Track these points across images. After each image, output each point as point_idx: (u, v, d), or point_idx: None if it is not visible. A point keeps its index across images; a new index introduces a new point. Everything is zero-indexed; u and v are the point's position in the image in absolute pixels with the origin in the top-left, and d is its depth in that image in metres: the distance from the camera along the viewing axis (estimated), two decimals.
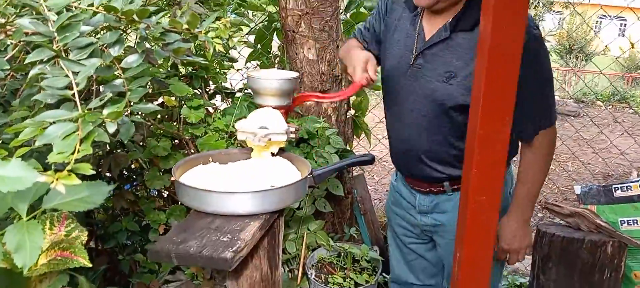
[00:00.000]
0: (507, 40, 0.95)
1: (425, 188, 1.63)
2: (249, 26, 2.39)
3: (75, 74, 0.73)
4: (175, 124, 2.01)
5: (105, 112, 0.70)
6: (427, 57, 1.46)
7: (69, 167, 0.64)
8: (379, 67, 1.61)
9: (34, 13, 0.82)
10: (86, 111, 0.68)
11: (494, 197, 1.05)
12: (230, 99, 2.26)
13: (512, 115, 1.42)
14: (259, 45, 2.40)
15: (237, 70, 2.40)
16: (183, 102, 1.96)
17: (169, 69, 2.05)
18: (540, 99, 1.42)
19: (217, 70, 2.14)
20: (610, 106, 8.70)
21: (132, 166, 2.09)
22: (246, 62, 2.49)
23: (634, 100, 8.81)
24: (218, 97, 2.28)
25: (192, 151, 1.98)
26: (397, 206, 1.77)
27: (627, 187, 2.04)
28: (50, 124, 0.71)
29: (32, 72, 0.73)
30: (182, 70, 2.04)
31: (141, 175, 2.04)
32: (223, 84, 2.23)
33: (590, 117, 6.97)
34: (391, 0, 1.62)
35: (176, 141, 2.04)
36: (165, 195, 2.14)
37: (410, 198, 1.70)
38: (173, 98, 1.85)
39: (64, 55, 0.73)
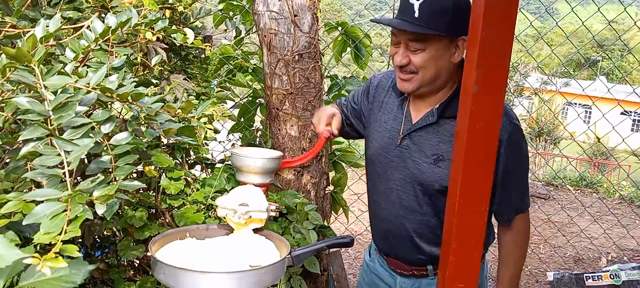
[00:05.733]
0: (484, 134, 1.01)
1: (407, 271, 1.63)
2: (233, 100, 2.44)
3: (67, 152, 0.74)
4: (152, 193, 1.99)
5: (96, 194, 0.70)
6: (413, 139, 1.52)
7: (55, 249, 0.63)
8: (365, 145, 1.68)
9: (29, 91, 0.84)
10: (77, 192, 0.69)
11: (471, 284, 1.08)
12: (210, 169, 2.26)
13: (492, 202, 1.49)
14: (242, 119, 2.45)
15: (220, 142, 2.42)
16: (162, 172, 1.96)
17: (151, 139, 2.05)
18: (520, 185, 1.51)
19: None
20: (578, 191, 8.96)
21: (105, 232, 2.04)
22: (228, 133, 2.52)
23: (601, 185, 9.12)
24: (197, 166, 2.27)
25: (168, 220, 1.95)
26: None
27: (598, 276, 2.09)
28: (37, 202, 0.71)
29: (24, 150, 0.74)
30: (164, 140, 2.05)
31: (113, 243, 1.99)
32: (204, 155, 2.23)
33: (558, 202, 7.17)
34: (375, 84, 1.69)
35: (152, 210, 2.01)
36: (137, 265, 2.08)
37: (390, 281, 1.69)
38: (154, 168, 1.85)
39: (57, 135, 0.74)
